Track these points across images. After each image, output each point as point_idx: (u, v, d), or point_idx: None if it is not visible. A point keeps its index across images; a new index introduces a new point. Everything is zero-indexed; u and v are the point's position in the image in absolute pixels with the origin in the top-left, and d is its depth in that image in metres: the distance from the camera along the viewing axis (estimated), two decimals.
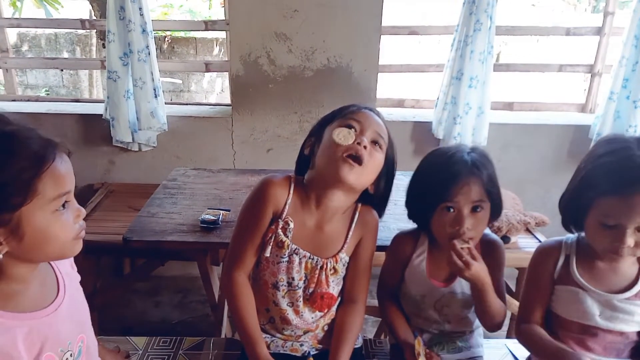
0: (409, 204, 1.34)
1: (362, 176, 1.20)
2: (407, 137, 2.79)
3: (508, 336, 2.33)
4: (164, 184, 1.97)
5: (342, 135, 1.19)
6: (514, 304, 2.30)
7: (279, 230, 1.24)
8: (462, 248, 1.19)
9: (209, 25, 2.78)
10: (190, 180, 2.03)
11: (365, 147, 1.19)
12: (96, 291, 2.11)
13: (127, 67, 2.56)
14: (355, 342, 1.33)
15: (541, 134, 2.83)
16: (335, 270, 1.29)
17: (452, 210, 1.21)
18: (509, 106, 3.04)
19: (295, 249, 1.25)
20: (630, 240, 1.06)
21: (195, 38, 6.04)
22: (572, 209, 1.18)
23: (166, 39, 6.09)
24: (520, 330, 1.27)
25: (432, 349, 1.36)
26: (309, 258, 1.26)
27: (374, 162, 1.22)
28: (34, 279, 0.90)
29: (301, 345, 1.34)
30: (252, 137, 2.73)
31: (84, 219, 0.92)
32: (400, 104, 3.01)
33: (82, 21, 2.85)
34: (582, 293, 1.17)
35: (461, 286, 1.33)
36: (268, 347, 1.32)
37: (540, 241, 2.31)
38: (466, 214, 1.20)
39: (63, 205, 0.85)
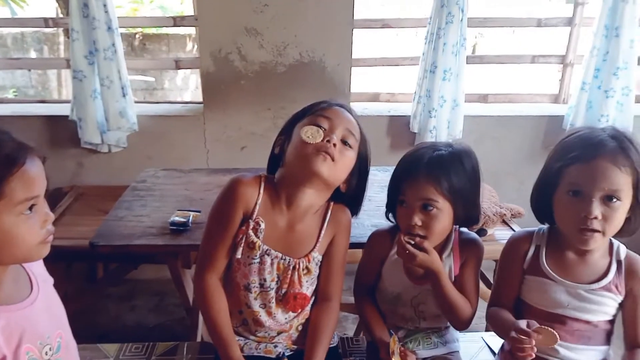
0: (387, 201, 1.32)
1: (334, 171, 1.18)
2: (383, 131, 2.78)
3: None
4: (132, 185, 1.91)
5: (310, 134, 1.16)
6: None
7: (250, 231, 1.21)
8: (407, 241, 1.20)
9: (177, 21, 2.72)
10: (160, 182, 1.97)
11: (334, 145, 1.16)
12: (67, 298, 2.03)
13: (93, 65, 2.49)
14: (331, 340, 1.31)
15: (515, 126, 2.84)
16: (309, 270, 1.26)
17: (404, 204, 1.22)
18: (483, 98, 3.05)
19: (267, 249, 1.22)
20: (596, 211, 1.06)
21: (167, 34, 5.92)
22: (542, 193, 1.19)
23: (137, 36, 5.96)
24: (488, 314, 1.29)
25: (407, 345, 1.35)
26: (281, 259, 1.23)
27: (345, 160, 1.19)
28: (5, 277, 0.91)
29: (275, 346, 1.31)
30: (225, 135, 2.68)
31: (53, 224, 0.91)
32: (375, 98, 2.99)
33: (46, 19, 2.75)
34: (551, 283, 1.17)
35: None
36: (242, 349, 1.29)
37: None
38: (415, 210, 1.20)
39: (30, 209, 0.85)
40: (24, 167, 0.83)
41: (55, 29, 5.74)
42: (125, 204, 1.74)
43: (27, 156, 0.84)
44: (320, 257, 1.28)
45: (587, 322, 1.16)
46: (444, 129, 2.63)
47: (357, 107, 2.86)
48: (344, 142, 1.20)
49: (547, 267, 1.18)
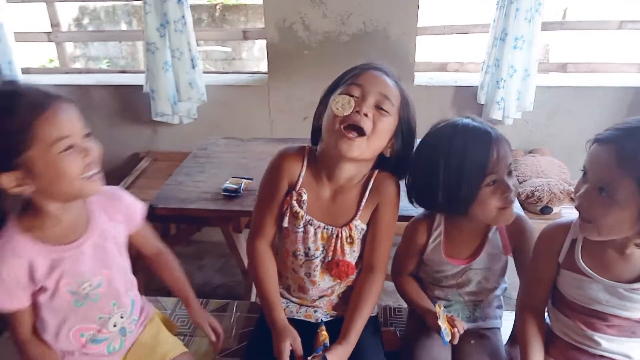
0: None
1: (366, 147, 1.16)
2: (448, 102, 2.69)
3: None
4: (194, 153, 2.02)
5: (340, 105, 1.14)
6: None
7: (294, 202, 1.25)
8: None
9: None
10: (219, 149, 2.06)
11: (366, 115, 1.14)
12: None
13: (165, 38, 2.60)
14: (372, 310, 1.32)
15: (595, 98, 2.64)
16: (352, 239, 1.27)
17: (494, 183, 1.15)
18: (562, 68, 2.85)
19: (310, 219, 1.25)
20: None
21: (246, 5, 6.02)
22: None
23: (217, 7, 6.13)
24: (518, 316, 1.25)
25: (447, 312, 1.34)
26: (324, 228, 1.26)
27: (380, 128, 1.16)
28: (63, 217, 1.03)
29: (315, 311, 1.35)
30: (288, 105, 2.73)
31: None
32: (442, 67, 2.90)
33: None
34: (587, 280, 1.09)
35: (482, 261, 1.29)
36: (284, 310, 1.35)
37: None
38: (505, 180, 1.15)
39: (69, 149, 0.95)
40: (48, 111, 0.93)
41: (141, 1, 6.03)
42: (185, 170, 1.85)
43: (52, 102, 0.94)
44: (363, 226, 1.28)
45: (628, 319, 1.08)
46: (513, 100, 2.50)
47: (422, 77, 2.80)
48: (380, 107, 1.16)
49: (583, 264, 1.09)
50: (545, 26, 2.65)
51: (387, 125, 1.18)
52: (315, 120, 1.27)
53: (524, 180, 2.31)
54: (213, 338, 1.28)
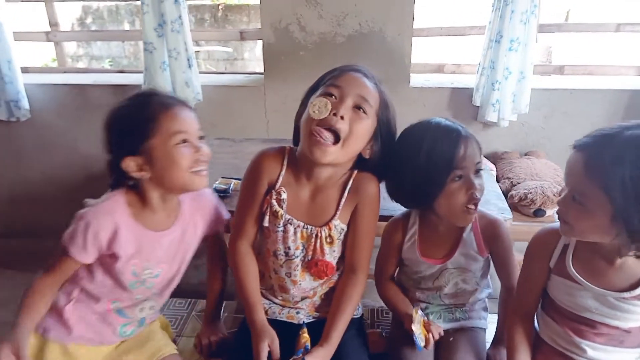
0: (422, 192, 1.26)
1: (341, 153, 1.17)
2: (444, 104, 2.69)
3: None
4: None
5: (317, 108, 1.15)
6: None
7: (273, 201, 1.26)
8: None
9: None
10: (212, 150, 2.06)
11: (342, 118, 1.14)
12: None
13: (162, 38, 2.61)
14: (354, 312, 1.32)
15: (592, 100, 2.62)
16: (332, 239, 1.27)
17: (460, 179, 1.19)
18: (559, 70, 2.84)
19: (289, 219, 1.26)
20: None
21: (248, 5, 6.04)
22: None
23: (219, 7, 6.15)
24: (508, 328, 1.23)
25: (429, 317, 1.35)
26: (304, 227, 1.27)
27: (357, 130, 1.17)
28: (159, 207, 1.20)
29: (297, 312, 1.36)
30: (284, 106, 2.73)
31: None
32: (439, 69, 2.89)
33: None
34: (577, 287, 1.09)
35: (457, 261, 1.30)
36: (266, 312, 1.36)
37: None
38: (471, 177, 1.19)
39: (184, 142, 1.12)
40: (174, 109, 1.13)
41: None
42: None
43: (176, 104, 1.15)
44: (343, 226, 1.29)
45: (618, 328, 1.08)
46: (508, 102, 2.50)
47: (419, 78, 2.80)
48: (357, 107, 1.17)
49: (574, 270, 1.09)
50: (543, 28, 2.65)
51: (364, 127, 1.19)
52: (296, 121, 1.28)
53: (518, 183, 2.30)
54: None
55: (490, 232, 1.28)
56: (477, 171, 1.20)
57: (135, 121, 1.12)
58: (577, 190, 0.98)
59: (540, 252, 1.16)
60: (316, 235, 1.27)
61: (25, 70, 2.95)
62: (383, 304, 1.44)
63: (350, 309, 1.29)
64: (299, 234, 1.27)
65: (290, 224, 1.27)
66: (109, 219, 1.14)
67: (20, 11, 3.65)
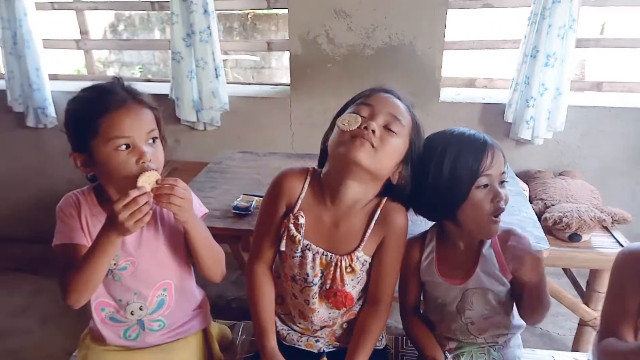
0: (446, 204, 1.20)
1: (376, 159, 1.10)
2: (475, 120, 2.60)
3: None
4: (208, 167, 1.99)
5: (347, 121, 1.10)
6: (583, 308, 2.09)
7: (291, 225, 1.20)
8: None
9: (270, 3, 2.74)
10: (234, 164, 2.03)
11: (373, 132, 1.09)
12: None
13: (190, 47, 2.60)
14: (376, 344, 1.27)
15: (632, 119, 2.50)
16: (353, 269, 1.21)
17: (485, 187, 1.14)
18: (597, 87, 2.72)
19: (307, 244, 1.20)
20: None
21: (277, 14, 6.04)
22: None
23: (248, 16, 6.17)
24: (601, 347, 1.10)
25: (460, 359, 1.27)
26: (323, 254, 1.21)
27: (388, 146, 1.11)
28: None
29: (317, 341, 1.31)
30: (309, 119, 2.69)
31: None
32: (470, 83, 2.81)
33: (152, 3, 2.94)
34: None
35: (478, 280, 1.22)
36: (284, 338, 1.32)
37: (618, 241, 2.07)
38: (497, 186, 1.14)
39: (127, 147, 1.06)
40: (114, 113, 1.05)
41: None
42: (197, 185, 1.82)
43: (124, 105, 1.07)
44: (366, 258, 1.22)
45: None
46: (543, 119, 2.40)
47: (449, 93, 2.72)
48: (389, 128, 1.11)
49: None
50: (580, 43, 2.54)
51: (396, 145, 1.13)
52: (323, 142, 1.22)
53: (552, 205, 2.19)
54: None
55: (516, 254, 1.18)
56: (502, 182, 1.15)
57: (78, 120, 1.09)
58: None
59: (631, 272, 1.05)
60: (336, 264, 1.20)
61: (54, 77, 2.98)
62: None
63: (372, 342, 1.23)
64: (317, 261, 1.21)
65: (309, 249, 1.21)
66: (75, 201, 1.16)
67: (53, 19, 3.70)
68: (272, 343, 1.22)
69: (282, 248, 1.22)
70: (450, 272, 1.24)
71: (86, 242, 1.14)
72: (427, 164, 1.16)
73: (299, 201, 1.21)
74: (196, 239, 1.15)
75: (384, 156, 1.11)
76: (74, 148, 1.11)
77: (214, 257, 1.22)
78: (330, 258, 1.20)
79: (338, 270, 1.20)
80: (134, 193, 0.98)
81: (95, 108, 1.06)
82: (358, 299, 1.28)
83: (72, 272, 1.08)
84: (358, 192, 1.17)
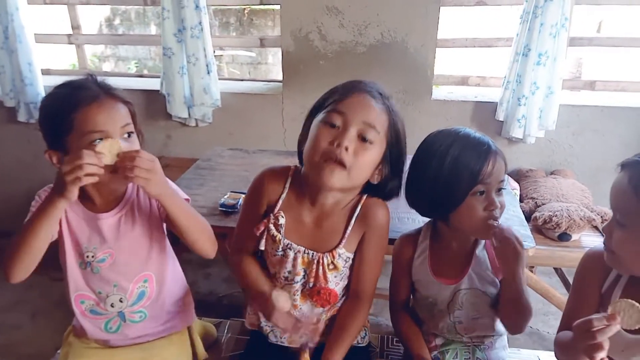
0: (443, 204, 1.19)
1: (349, 178, 1.10)
2: (467, 118, 2.60)
3: None
4: (197, 163, 1.98)
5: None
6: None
7: (271, 226, 1.20)
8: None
9: None
10: (223, 161, 2.02)
11: (346, 149, 1.07)
12: None
13: (181, 43, 2.59)
14: (355, 338, 1.26)
15: (624, 118, 2.50)
16: (335, 266, 1.21)
17: (482, 194, 1.12)
18: (590, 85, 2.71)
19: (288, 244, 1.20)
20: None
21: (273, 9, 6.02)
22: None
23: (245, 11, 6.14)
24: (555, 340, 1.13)
25: (445, 356, 1.27)
26: (304, 252, 1.20)
27: (362, 161, 1.10)
28: (94, 194, 1.15)
29: (300, 337, 1.29)
30: (302, 115, 2.61)
31: None
32: (463, 81, 2.79)
33: None
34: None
35: (471, 281, 1.21)
36: (267, 336, 1.32)
37: None
38: (492, 193, 1.12)
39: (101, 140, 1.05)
40: (87, 107, 1.05)
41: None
42: (184, 182, 1.81)
43: (97, 99, 1.06)
44: (349, 255, 1.22)
45: None
46: (534, 118, 2.39)
47: (442, 91, 2.71)
48: (363, 137, 1.09)
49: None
50: (573, 41, 2.54)
51: (371, 156, 1.12)
52: (299, 143, 1.21)
53: (543, 204, 2.19)
54: None
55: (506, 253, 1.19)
56: (499, 190, 1.14)
57: (52, 116, 1.09)
58: (624, 213, 0.91)
59: (592, 277, 1.06)
60: (318, 262, 1.20)
61: (46, 72, 2.96)
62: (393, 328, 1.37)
63: (352, 335, 1.23)
64: (299, 260, 1.21)
65: (290, 248, 1.20)
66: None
67: (46, 14, 3.68)
68: (269, 285, 1.21)
69: (262, 247, 1.22)
70: (442, 271, 1.24)
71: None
72: (428, 159, 1.15)
73: (280, 201, 1.21)
74: (175, 212, 1.11)
75: (359, 172, 1.11)
76: (49, 146, 1.11)
77: (199, 228, 1.18)
78: (312, 256, 1.20)
79: (320, 267, 1.20)
80: (85, 153, 0.96)
81: (69, 104, 1.05)
82: (342, 296, 1.28)
83: (13, 239, 1.06)
84: (338, 197, 1.18)
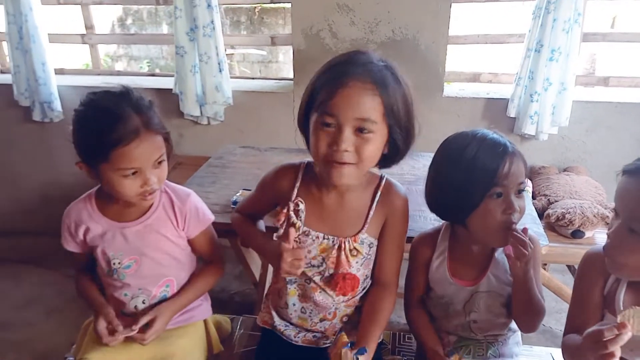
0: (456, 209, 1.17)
1: (359, 170, 1.11)
2: (479, 115, 2.58)
3: None
4: (209, 161, 2.00)
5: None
6: None
7: (291, 213, 1.20)
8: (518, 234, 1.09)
9: None
10: (235, 159, 2.03)
11: (347, 150, 1.06)
12: None
13: (194, 42, 2.60)
14: (385, 325, 1.23)
15: (638, 114, 2.47)
16: (358, 251, 1.20)
17: (499, 196, 1.10)
18: (604, 81, 2.69)
19: (306, 230, 1.20)
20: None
21: (284, 8, 6.02)
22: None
23: (256, 10, 6.16)
24: (562, 343, 1.12)
25: (458, 352, 1.27)
26: (324, 238, 1.20)
27: (367, 152, 1.08)
28: (121, 203, 1.23)
29: (314, 336, 1.30)
30: None
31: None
32: (475, 78, 2.78)
33: None
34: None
35: (489, 284, 1.21)
36: (282, 333, 1.32)
37: None
38: (511, 196, 1.10)
39: (134, 173, 1.12)
40: (127, 146, 1.08)
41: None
42: (197, 180, 1.83)
43: (134, 138, 1.09)
44: (372, 240, 1.22)
45: None
46: (547, 114, 2.37)
47: (453, 88, 2.70)
48: (361, 130, 1.06)
49: (622, 308, 0.99)
50: (587, 37, 2.52)
51: (374, 145, 1.09)
52: (299, 124, 1.21)
53: (556, 201, 2.18)
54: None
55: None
56: (519, 192, 1.11)
57: (88, 145, 1.13)
58: (635, 219, 0.88)
59: (593, 279, 1.06)
60: (339, 247, 1.19)
61: (60, 71, 3.00)
62: (406, 326, 1.37)
63: (383, 321, 1.20)
64: (316, 246, 1.21)
65: (307, 235, 1.21)
66: (77, 211, 1.24)
67: (59, 13, 3.72)
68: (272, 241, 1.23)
69: (279, 234, 1.21)
70: (461, 272, 1.23)
71: (79, 250, 1.28)
72: (445, 161, 1.15)
73: (295, 190, 1.22)
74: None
75: (367, 163, 1.10)
76: (82, 159, 1.16)
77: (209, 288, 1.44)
78: (333, 242, 1.19)
79: (342, 253, 1.19)
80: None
81: (109, 139, 1.08)
82: (361, 284, 1.26)
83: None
84: (353, 183, 1.16)
